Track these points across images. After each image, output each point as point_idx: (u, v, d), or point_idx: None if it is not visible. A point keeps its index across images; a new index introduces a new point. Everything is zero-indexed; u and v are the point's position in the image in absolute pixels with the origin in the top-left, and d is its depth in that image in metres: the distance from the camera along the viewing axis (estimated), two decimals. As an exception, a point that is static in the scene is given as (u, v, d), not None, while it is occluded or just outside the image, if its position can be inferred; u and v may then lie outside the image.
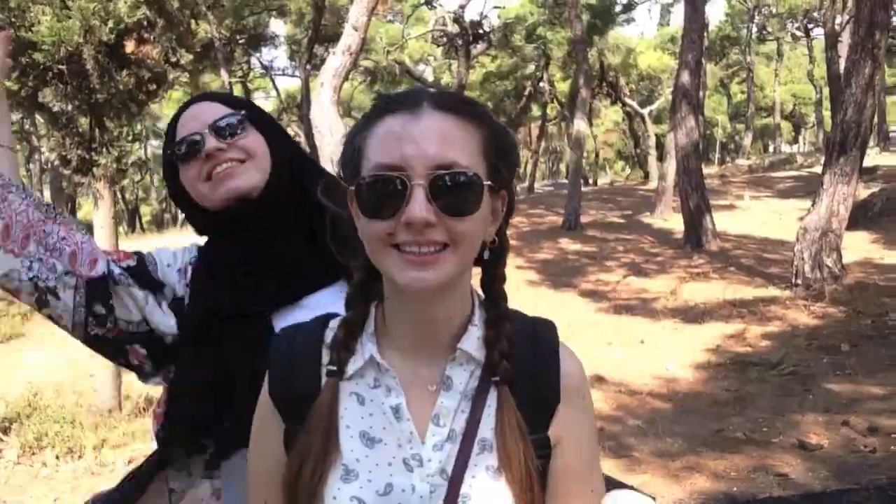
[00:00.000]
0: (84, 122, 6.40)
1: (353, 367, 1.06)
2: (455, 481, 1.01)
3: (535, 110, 37.41)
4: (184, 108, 1.49)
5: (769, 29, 39.63)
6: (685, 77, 14.57)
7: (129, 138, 6.60)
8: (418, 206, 0.92)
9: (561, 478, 1.08)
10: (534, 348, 1.10)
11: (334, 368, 1.06)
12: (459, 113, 0.98)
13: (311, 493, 1.02)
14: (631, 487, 1.19)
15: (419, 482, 1.01)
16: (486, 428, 1.04)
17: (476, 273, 1.12)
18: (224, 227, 1.45)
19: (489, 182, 0.98)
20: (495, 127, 1.02)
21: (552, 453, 1.09)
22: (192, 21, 7.04)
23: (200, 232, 1.54)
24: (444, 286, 0.98)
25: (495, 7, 34.63)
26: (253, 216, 1.42)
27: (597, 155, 43.43)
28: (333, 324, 1.12)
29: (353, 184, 0.99)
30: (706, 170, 20.14)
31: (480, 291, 1.13)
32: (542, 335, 1.13)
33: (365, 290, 1.08)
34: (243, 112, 1.45)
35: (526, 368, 1.08)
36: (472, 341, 1.06)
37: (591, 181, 39.23)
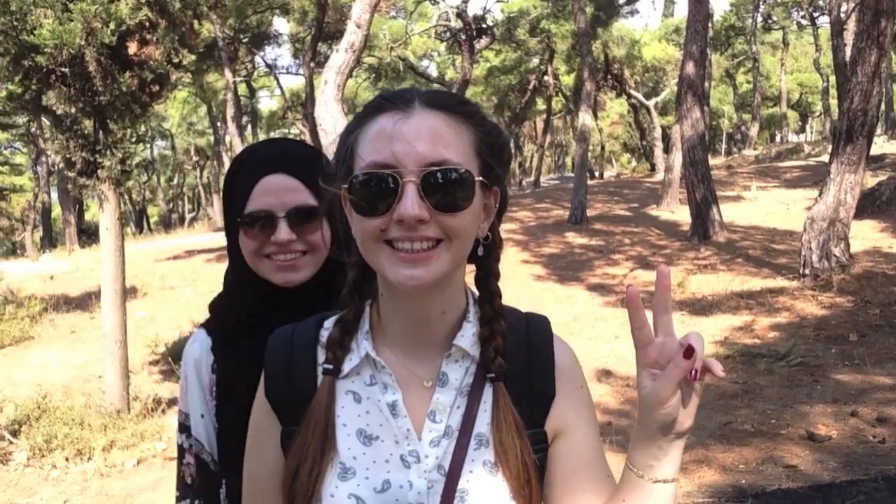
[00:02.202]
0: (88, 124, 6.40)
1: (348, 365, 1.07)
2: (452, 477, 1.02)
3: (540, 104, 37.38)
4: (262, 168, 1.43)
5: (774, 18, 39.42)
6: (690, 68, 14.50)
7: (133, 140, 6.59)
8: (410, 202, 0.93)
9: (570, 466, 1.09)
10: (527, 343, 1.11)
11: (330, 367, 1.06)
12: (450, 111, 0.99)
13: (308, 492, 1.02)
14: None
15: (416, 478, 1.02)
16: (482, 423, 1.05)
17: (470, 270, 1.12)
18: (266, 296, 1.45)
19: (481, 178, 0.99)
20: (487, 125, 1.03)
21: (553, 446, 1.10)
22: (195, 21, 7.02)
23: (235, 269, 1.52)
24: (437, 283, 0.98)
25: (498, 1, 34.55)
26: (297, 297, 1.43)
27: (602, 148, 43.34)
28: (328, 323, 1.12)
29: (346, 182, 1.00)
30: (712, 161, 20.07)
31: (474, 288, 1.13)
32: (535, 330, 1.13)
33: (359, 288, 1.09)
34: (322, 207, 1.40)
35: (521, 364, 1.09)
36: (468, 338, 1.06)
37: (596, 174, 39.17)
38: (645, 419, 0.99)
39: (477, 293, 1.12)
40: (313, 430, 1.03)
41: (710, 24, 20.98)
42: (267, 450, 1.10)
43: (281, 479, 1.08)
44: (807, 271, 9.82)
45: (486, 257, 1.08)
